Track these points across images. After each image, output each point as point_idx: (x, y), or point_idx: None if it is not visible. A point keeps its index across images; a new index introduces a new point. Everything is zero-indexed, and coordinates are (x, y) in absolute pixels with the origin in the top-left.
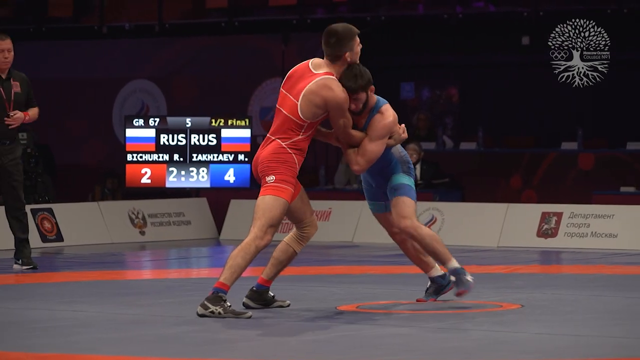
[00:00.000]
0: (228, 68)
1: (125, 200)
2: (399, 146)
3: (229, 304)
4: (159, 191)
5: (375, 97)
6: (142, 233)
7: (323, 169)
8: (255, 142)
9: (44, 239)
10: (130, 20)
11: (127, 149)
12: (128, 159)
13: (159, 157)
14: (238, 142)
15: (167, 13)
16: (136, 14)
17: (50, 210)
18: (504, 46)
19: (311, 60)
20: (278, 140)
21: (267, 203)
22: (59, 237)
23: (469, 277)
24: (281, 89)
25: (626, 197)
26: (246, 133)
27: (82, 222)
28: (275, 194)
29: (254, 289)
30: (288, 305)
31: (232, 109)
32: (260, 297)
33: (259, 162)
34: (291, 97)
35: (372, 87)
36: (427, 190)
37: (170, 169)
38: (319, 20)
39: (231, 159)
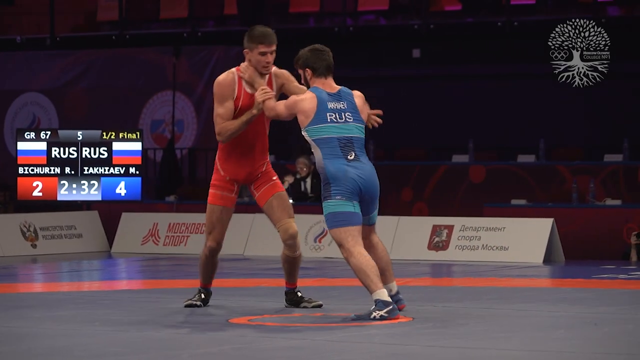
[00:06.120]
0: (119, 81)
1: (17, 213)
2: None
3: None
4: (50, 204)
5: None
6: (34, 246)
7: None
8: (146, 155)
9: None
10: (22, 33)
11: (19, 161)
12: (20, 172)
13: (50, 170)
14: (129, 155)
15: (58, 26)
16: (28, 26)
17: None
18: (395, 59)
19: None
20: None
21: None
22: None
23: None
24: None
25: (517, 209)
26: (137, 146)
27: None
28: None
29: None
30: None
31: (123, 122)
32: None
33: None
34: None
35: None
36: (317, 204)
37: (62, 182)
38: (210, 33)
39: (122, 172)
